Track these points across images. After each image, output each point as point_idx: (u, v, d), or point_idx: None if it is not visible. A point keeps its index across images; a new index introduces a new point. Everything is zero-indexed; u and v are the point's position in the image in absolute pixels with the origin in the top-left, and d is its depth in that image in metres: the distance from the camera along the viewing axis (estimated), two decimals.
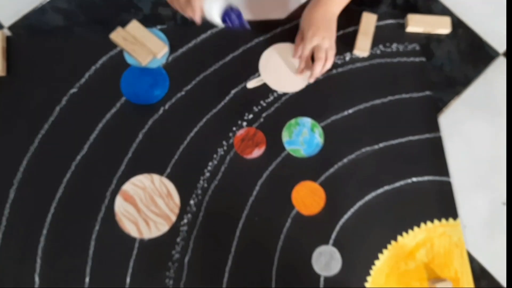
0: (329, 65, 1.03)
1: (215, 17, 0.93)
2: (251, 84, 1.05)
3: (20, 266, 0.91)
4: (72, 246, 0.93)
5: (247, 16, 0.99)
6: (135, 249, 0.93)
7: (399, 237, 0.97)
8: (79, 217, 0.95)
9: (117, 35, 1.05)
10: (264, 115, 1.04)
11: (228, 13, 0.93)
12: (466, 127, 1.07)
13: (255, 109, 1.04)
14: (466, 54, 1.13)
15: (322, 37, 1.00)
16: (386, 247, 0.96)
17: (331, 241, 0.96)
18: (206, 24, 1.08)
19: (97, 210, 0.95)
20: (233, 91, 1.05)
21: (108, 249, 0.93)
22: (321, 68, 1.03)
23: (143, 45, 1.04)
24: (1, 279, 0.90)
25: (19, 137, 0.99)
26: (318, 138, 1.03)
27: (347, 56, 1.09)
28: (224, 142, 1.01)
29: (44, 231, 0.93)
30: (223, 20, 0.94)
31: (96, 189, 0.97)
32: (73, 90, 1.03)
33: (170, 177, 0.98)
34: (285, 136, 1.03)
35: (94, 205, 0.96)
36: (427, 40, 1.14)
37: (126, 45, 1.04)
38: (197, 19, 0.94)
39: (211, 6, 0.92)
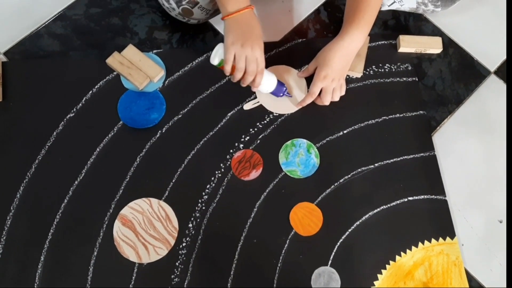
0: (335, 98, 1.06)
1: (270, 89, 1.04)
2: (248, 106, 1.06)
3: None
4: (70, 272, 0.93)
5: None
6: (134, 274, 0.93)
7: (397, 257, 0.98)
8: (77, 242, 0.95)
9: (114, 60, 1.05)
10: (260, 137, 1.05)
11: (280, 87, 1.04)
12: (460, 145, 1.08)
13: (252, 131, 1.05)
14: (457, 73, 1.15)
15: (332, 79, 1.02)
16: (385, 267, 0.97)
17: (329, 262, 0.97)
18: (201, 48, 1.10)
19: (95, 235, 0.95)
20: (229, 114, 1.06)
21: (107, 274, 0.93)
22: (323, 104, 1.06)
23: (139, 70, 1.05)
24: None
25: (15, 162, 0.99)
26: (314, 159, 1.04)
27: None
28: (222, 165, 1.02)
29: (42, 258, 0.93)
30: (275, 92, 1.04)
31: (94, 214, 0.97)
32: (70, 114, 1.03)
33: (168, 201, 0.98)
34: (281, 158, 1.03)
35: (92, 230, 0.95)
36: (419, 60, 1.16)
37: (123, 70, 1.05)
38: (257, 83, 0.99)
39: (269, 79, 1.02)
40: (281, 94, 1.05)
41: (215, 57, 0.97)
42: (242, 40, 0.93)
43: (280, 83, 1.04)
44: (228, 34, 0.94)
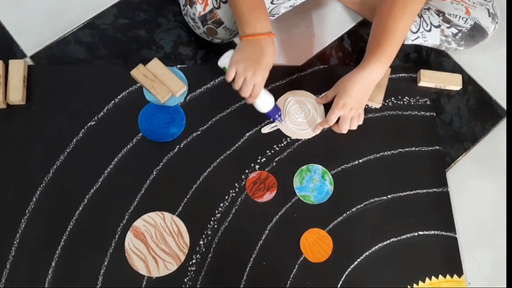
0: (353, 127, 1.07)
1: (263, 110, 1.05)
2: (265, 129, 1.07)
3: None
4: (80, 280, 0.93)
5: None
6: (142, 287, 0.94)
7: None
8: (89, 251, 0.95)
9: (138, 72, 1.07)
10: (276, 159, 1.06)
11: (275, 111, 1.05)
12: (472, 184, 1.09)
13: (268, 153, 1.06)
14: (475, 111, 1.16)
15: (351, 108, 1.03)
16: None
17: None
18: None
19: (107, 245, 0.96)
20: (247, 134, 1.07)
21: (116, 285, 0.93)
22: (340, 132, 1.07)
23: (162, 83, 1.06)
24: None
25: (34, 166, 1.00)
26: (328, 186, 1.05)
27: None
28: (236, 184, 1.03)
29: (53, 263, 0.94)
30: (269, 114, 1.05)
31: (107, 224, 0.97)
32: (91, 123, 1.04)
33: (181, 216, 0.99)
34: (296, 182, 1.04)
35: (105, 239, 0.96)
36: (438, 95, 1.17)
37: (146, 82, 1.06)
38: (250, 101, 1.02)
39: (264, 101, 1.03)
40: (274, 118, 1.07)
41: (222, 61, 1.01)
42: (246, 63, 0.95)
43: (276, 108, 1.05)
44: (237, 52, 0.97)
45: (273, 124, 1.08)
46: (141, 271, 0.95)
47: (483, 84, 1.19)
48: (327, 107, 1.09)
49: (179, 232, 0.98)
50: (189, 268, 0.96)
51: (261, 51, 0.95)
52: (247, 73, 0.96)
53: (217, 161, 1.04)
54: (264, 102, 1.03)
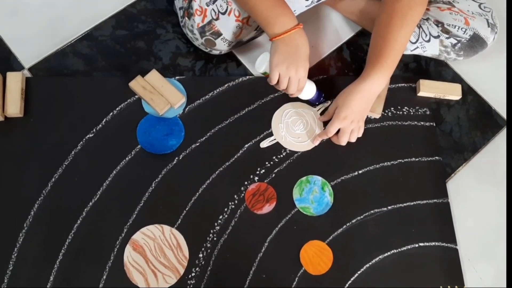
0: (352, 140, 1.06)
1: (307, 97, 1.09)
2: (264, 144, 1.07)
3: None
4: None
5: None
6: None
7: None
8: (88, 264, 0.94)
9: (136, 84, 1.06)
10: (276, 171, 1.05)
11: (319, 96, 1.10)
12: (473, 194, 1.09)
13: (267, 164, 1.06)
14: (475, 121, 1.16)
15: (351, 120, 1.03)
16: None
17: None
18: (223, 77, 1.11)
19: (106, 258, 0.95)
20: (246, 145, 1.07)
21: None
22: (339, 144, 1.06)
23: (161, 95, 1.06)
24: None
25: (32, 179, 0.99)
26: (328, 197, 1.04)
27: None
28: (235, 196, 1.02)
29: (51, 278, 0.93)
30: (313, 100, 1.10)
31: (106, 237, 0.97)
32: (89, 135, 1.04)
33: (180, 229, 0.98)
34: (295, 193, 1.04)
35: (103, 253, 0.95)
36: (438, 105, 1.16)
37: (145, 94, 1.06)
38: (296, 95, 1.05)
39: (309, 90, 1.07)
40: (318, 102, 1.11)
41: (261, 67, 1.03)
42: (288, 63, 0.95)
43: (319, 91, 1.08)
44: (274, 54, 0.96)
45: (272, 138, 1.08)
46: (140, 285, 0.94)
47: (482, 94, 1.19)
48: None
49: (178, 245, 0.97)
50: (189, 282, 0.95)
51: (296, 46, 0.95)
52: (290, 72, 0.96)
53: (216, 173, 1.04)
54: (308, 91, 1.06)
